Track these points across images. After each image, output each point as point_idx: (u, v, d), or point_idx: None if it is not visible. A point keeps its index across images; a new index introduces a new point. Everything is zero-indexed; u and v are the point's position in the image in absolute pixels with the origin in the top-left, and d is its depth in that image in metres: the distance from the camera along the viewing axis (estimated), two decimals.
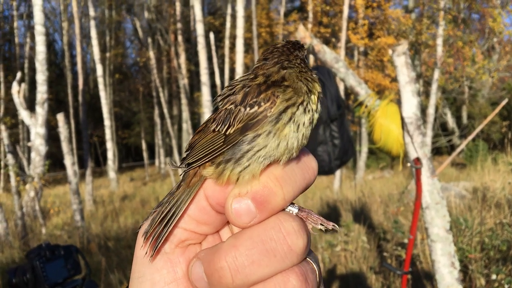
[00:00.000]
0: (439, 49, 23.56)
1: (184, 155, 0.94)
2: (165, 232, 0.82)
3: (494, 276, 5.96)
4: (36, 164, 13.54)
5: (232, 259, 0.74)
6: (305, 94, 0.85)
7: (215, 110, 0.91)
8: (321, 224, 0.84)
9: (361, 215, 11.02)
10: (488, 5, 26.83)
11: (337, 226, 0.86)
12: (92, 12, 24.42)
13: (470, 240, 7.43)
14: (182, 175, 0.90)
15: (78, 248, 3.10)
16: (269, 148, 0.80)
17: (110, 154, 25.82)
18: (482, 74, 26.37)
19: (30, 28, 35.96)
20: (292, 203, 0.83)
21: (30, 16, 37.26)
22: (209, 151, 0.84)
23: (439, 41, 23.58)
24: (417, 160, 4.55)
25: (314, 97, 0.87)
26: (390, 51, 4.87)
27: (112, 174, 26.35)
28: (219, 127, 0.85)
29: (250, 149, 0.80)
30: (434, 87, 23.69)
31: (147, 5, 34.92)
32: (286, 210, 0.82)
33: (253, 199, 0.78)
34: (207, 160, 0.84)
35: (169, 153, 38.92)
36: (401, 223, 9.14)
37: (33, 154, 13.68)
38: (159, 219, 0.83)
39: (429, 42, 26.78)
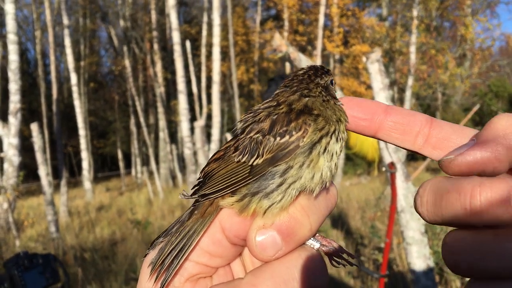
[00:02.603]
0: (413, 57, 24.03)
1: (196, 182, 0.88)
2: (175, 265, 0.76)
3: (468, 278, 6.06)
4: (9, 175, 13.24)
5: None
6: (336, 123, 0.81)
7: (235, 137, 0.86)
8: (342, 260, 0.82)
9: (339, 220, 11.10)
10: (459, 13, 27.48)
11: (358, 263, 0.84)
12: (66, 21, 24.13)
13: None
14: (193, 204, 0.84)
15: (56, 256, 3.05)
16: (304, 180, 0.76)
17: (85, 164, 25.45)
18: (455, 81, 26.94)
19: (2, 37, 35.33)
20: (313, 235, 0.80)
21: (2, 24, 36.62)
22: (232, 183, 0.79)
23: (413, 48, 24.05)
24: (392, 164, 4.62)
25: (343, 126, 0.83)
26: (364, 59, 4.96)
27: (87, 184, 25.95)
28: (244, 157, 0.80)
29: (283, 182, 0.76)
30: (408, 94, 24.12)
31: (122, 14, 34.70)
32: (307, 243, 0.79)
33: (279, 230, 0.74)
34: (228, 191, 0.79)
35: (145, 162, 38.55)
36: (378, 228, 9.24)
37: (6, 165, 13.38)
38: (169, 251, 0.78)
39: (403, 49, 27.26)
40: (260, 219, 0.76)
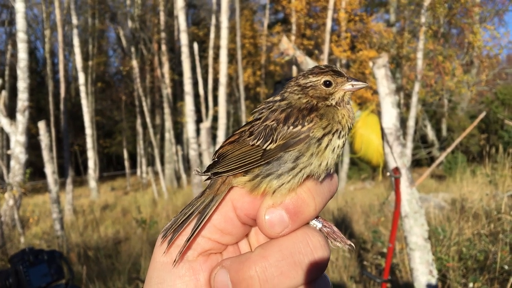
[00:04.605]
0: (420, 63, 23.95)
1: (209, 162, 0.98)
2: (191, 235, 0.84)
3: (471, 285, 6.07)
4: (16, 173, 13.33)
5: (262, 269, 0.77)
6: (337, 123, 0.92)
7: (249, 122, 0.96)
8: (340, 242, 0.91)
9: (342, 225, 11.10)
10: (467, 21, 27.38)
11: (353, 246, 0.92)
12: (75, 20, 24.28)
13: (448, 250, 7.55)
14: (209, 182, 0.93)
15: (62, 253, 3.09)
16: (313, 166, 0.86)
17: (91, 163, 25.54)
18: (461, 87, 26.84)
19: (12, 35, 35.58)
20: (316, 217, 0.89)
21: (11, 23, 36.87)
22: (244, 163, 0.89)
23: (420, 54, 23.99)
24: (396, 169, 4.64)
25: (346, 128, 0.95)
26: (370, 64, 4.98)
27: (92, 183, 26.05)
28: (258, 142, 0.90)
29: (295, 166, 0.86)
30: (414, 100, 24.04)
31: (131, 14, 34.82)
32: (310, 223, 0.88)
33: (287, 209, 0.83)
34: (240, 171, 0.88)
35: (151, 162, 38.62)
36: (381, 233, 9.24)
37: (12, 162, 13.47)
38: (181, 220, 0.88)
39: (410, 55, 27.19)
40: (270, 199, 0.85)
